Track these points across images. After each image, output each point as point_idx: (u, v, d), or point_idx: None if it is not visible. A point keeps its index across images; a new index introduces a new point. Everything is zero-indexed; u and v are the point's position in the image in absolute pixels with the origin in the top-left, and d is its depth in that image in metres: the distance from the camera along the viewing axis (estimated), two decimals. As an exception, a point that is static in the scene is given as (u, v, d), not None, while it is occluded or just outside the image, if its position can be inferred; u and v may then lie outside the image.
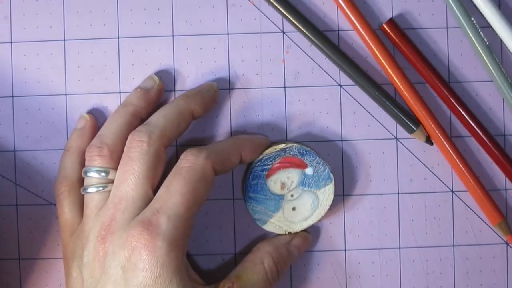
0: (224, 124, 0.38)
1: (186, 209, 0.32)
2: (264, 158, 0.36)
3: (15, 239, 0.38)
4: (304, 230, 0.37)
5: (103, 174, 0.34)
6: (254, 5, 0.38)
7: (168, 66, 0.38)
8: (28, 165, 0.38)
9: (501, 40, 0.38)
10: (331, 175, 0.37)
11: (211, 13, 0.38)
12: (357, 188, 0.39)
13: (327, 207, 0.37)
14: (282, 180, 0.37)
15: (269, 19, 0.38)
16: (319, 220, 0.37)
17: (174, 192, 0.32)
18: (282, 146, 0.36)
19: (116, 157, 0.35)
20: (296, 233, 0.37)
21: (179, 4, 0.38)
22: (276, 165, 0.37)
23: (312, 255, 0.38)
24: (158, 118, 0.35)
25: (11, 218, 0.38)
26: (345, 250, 0.39)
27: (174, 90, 0.38)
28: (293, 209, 0.37)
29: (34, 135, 0.38)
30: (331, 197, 0.37)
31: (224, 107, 0.38)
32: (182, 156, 0.34)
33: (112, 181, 0.34)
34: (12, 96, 0.38)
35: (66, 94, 0.38)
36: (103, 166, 0.34)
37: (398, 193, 0.39)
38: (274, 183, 0.37)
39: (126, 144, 0.34)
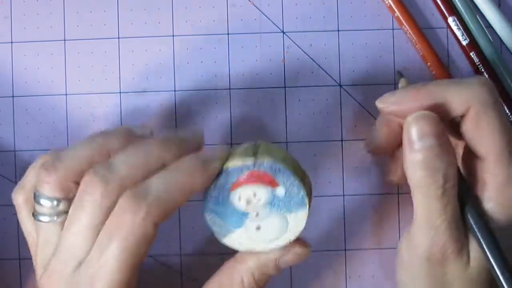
0: (224, 124, 0.38)
1: (125, 274, 0.29)
2: (230, 169, 0.31)
3: (15, 239, 0.38)
4: (303, 241, 0.33)
5: (54, 203, 0.30)
6: (254, 5, 0.38)
7: (168, 66, 0.38)
8: (28, 165, 0.38)
9: (501, 40, 0.38)
10: (306, 201, 0.31)
11: (211, 13, 0.38)
12: (357, 188, 0.39)
13: (298, 233, 0.32)
14: (248, 196, 0.31)
15: (269, 19, 0.38)
16: (288, 244, 0.32)
17: (110, 259, 0.29)
18: (252, 159, 0.31)
19: (67, 187, 0.30)
20: (294, 243, 0.32)
21: (179, 4, 0.38)
22: (242, 179, 0.31)
23: (312, 255, 0.38)
24: (123, 162, 0.30)
25: (11, 218, 0.38)
26: (345, 250, 0.39)
27: (174, 90, 0.38)
28: (258, 228, 0.32)
29: (34, 135, 0.38)
30: (303, 224, 0.31)
31: (224, 107, 0.38)
32: (118, 204, 0.29)
33: (65, 212, 0.30)
34: (12, 96, 0.38)
35: (66, 94, 0.38)
36: (52, 195, 0.30)
37: (398, 193, 0.38)
38: (239, 198, 0.31)
39: (81, 183, 0.30)
